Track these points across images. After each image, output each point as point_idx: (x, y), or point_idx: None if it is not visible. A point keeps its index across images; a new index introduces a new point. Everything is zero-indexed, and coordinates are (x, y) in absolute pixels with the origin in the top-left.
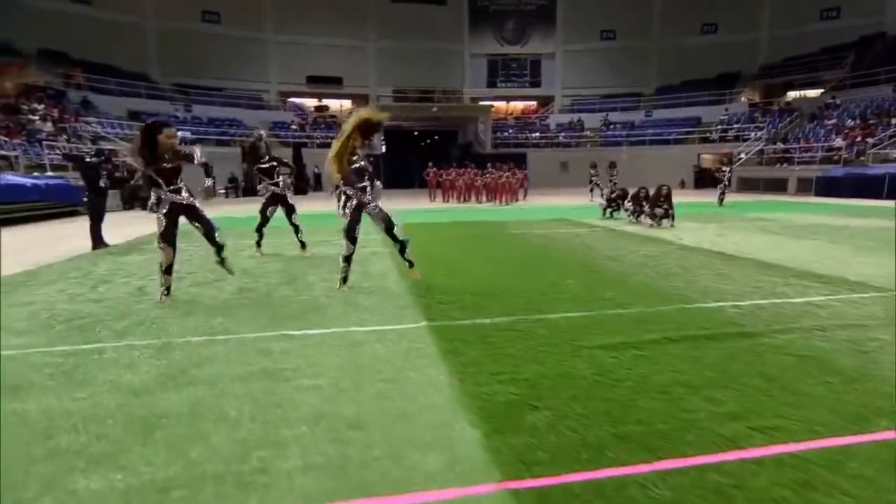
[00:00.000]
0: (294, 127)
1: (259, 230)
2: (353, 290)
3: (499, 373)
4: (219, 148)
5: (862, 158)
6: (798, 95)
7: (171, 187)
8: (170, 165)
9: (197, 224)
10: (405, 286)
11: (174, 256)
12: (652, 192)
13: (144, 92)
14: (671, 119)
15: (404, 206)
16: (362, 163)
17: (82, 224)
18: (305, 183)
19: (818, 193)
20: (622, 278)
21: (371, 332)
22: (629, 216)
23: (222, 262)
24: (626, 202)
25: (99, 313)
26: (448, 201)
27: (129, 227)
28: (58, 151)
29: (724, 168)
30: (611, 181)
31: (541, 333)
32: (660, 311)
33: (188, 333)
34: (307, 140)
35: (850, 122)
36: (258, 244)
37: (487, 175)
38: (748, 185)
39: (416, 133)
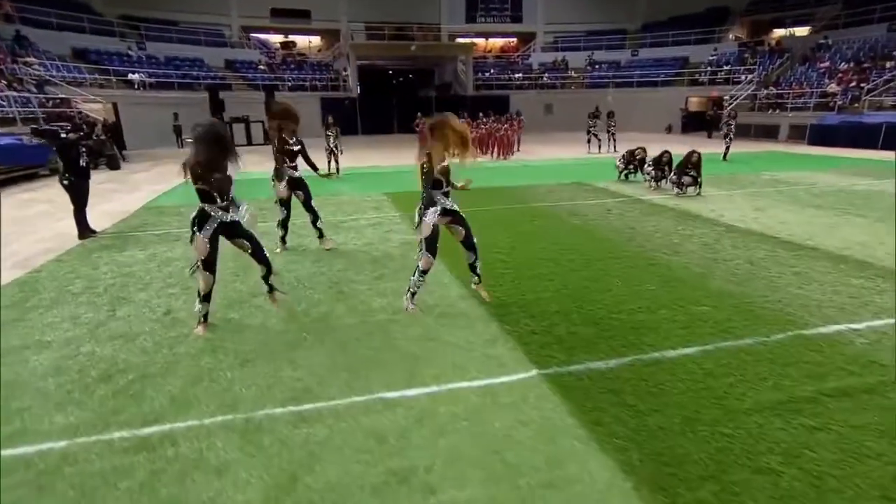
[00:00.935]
0: (262, 67)
1: (284, 225)
2: (422, 310)
3: (675, 472)
4: (181, 93)
5: (856, 105)
6: (787, 33)
7: (224, 203)
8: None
9: (240, 241)
10: (474, 303)
11: (214, 282)
12: (663, 155)
13: (88, 26)
14: (659, 59)
15: (395, 163)
16: (446, 164)
17: (45, 192)
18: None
19: (812, 142)
20: (699, 281)
21: (482, 390)
22: (649, 181)
23: (271, 289)
24: (646, 166)
25: (139, 364)
26: None
27: (108, 199)
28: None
29: (729, 121)
30: (608, 132)
31: (676, 387)
32: (779, 343)
33: (264, 400)
34: (278, 83)
35: (843, 66)
36: (283, 240)
37: (482, 126)
38: (739, 132)
39: (390, 72)
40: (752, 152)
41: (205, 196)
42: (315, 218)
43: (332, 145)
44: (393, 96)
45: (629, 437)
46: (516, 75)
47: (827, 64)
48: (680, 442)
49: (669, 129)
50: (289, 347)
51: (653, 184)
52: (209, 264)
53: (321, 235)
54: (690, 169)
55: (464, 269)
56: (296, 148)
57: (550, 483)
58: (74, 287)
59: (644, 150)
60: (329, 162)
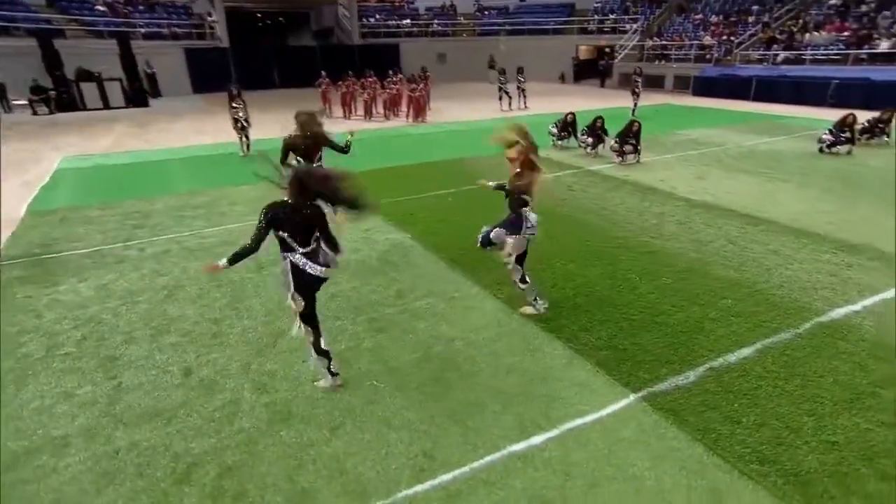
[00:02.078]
0: (101, 8)
1: None
2: (472, 332)
3: (819, 489)
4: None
5: (729, 58)
6: None
7: (309, 248)
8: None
9: None
10: (513, 316)
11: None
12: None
13: None
14: (546, 5)
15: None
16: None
17: None
18: (142, 89)
19: (696, 93)
20: (703, 269)
21: (599, 426)
22: (585, 147)
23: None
24: (580, 134)
25: (208, 451)
26: (349, 117)
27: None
28: None
29: (636, 78)
30: (518, 87)
31: (760, 393)
32: (810, 335)
33: (391, 477)
34: (129, 30)
35: (713, 18)
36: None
37: (393, 86)
38: (628, 81)
39: (258, 14)
40: (650, 105)
41: (286, 244)
42: None
43: (242, 118)
44: (270, 46)
45: (757, 456)
46: (404, 21)
47: (700, 16)
48: (801, 455)
49: (563, 79)
50: (367, 401)
51: (589, 150)
52: (312, 318)
53: None
54: (630, 137)
55: (487, 280)
56: None
57: None
58: (31, 350)
59: (574, 115)
60: (240, 138)
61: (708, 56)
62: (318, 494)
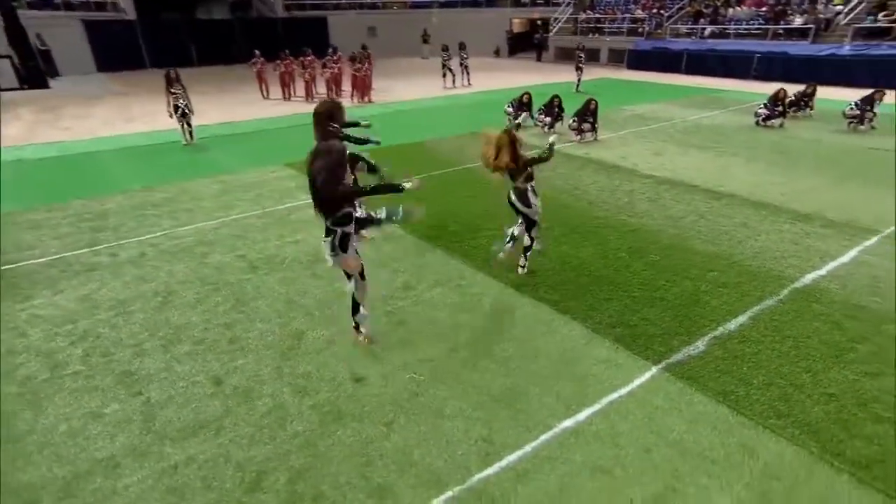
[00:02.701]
0: None
1: None
2: (489, 315)
3: (836, 435)
4: None
5: (660, 31)
6: None
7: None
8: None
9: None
10: (524, 298)
11: None
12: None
13: None
14: None
15: (253, 114)
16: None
17: None
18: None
19: (630, 66)
20: (684, 244)
21: (634, 399)
22: (543, 127)
23: (357, 326)
24: (538, 113)
25: (273, 457)
26: (289, 98)
27: None
28: None
29: (579, 54)
30: (461, 64)
31: (762, 356)
32: (791, 300)
33: (460, 464)
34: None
35: None
36: None
37: (334, 65)
38: (565, 55)
39: None
40: (589, 80)
41: (343, 220)
42: None
43: (182, 104)
44: (181, 19)
45: (773, 412)
46: None
47: None
48: (808, 407)
49: (498, 53)
50: (412, 394)
51: (546, 130)
52: (363, 274)
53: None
54: (588, 116)
55: (478, 258)
56: None
57: (766, 474)
58: (32, 371)
59: (530, 94)
60: (182, 126)
61: (640, 30)
62: (395, 487)
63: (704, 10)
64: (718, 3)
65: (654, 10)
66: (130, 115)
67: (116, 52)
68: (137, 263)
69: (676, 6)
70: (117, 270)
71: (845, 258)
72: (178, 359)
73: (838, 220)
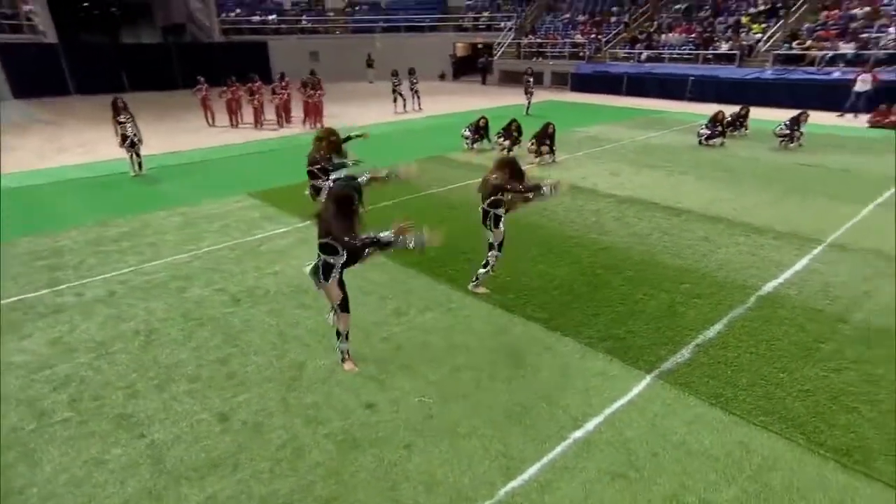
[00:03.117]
0: None
1: None
2: (477, 336)
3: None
4: None
5: (599, 55)
6: None
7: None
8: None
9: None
10: (514, 319)
11: None
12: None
13: None
14: (419, 1)
15: (205, 142)
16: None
17: None
18: None
19: (574, 88)
20: (653, 259)
21: (634, 408)
22: (502, 151)
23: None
24: (497, 136)
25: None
26: (237, 125)
27: None
28: None
29: (528, 78)
30: (411, 89)
31: (743, 359)
32: (759, 307)
33: (485, 480)
34: None
35: (580, 17)
36: None
37: (283, 91)
38: (509, 78)
39: (84, 4)
40: (535, 102)
41: (330, 249)
42: None
43: (130, 134)
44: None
45: (760, 410)
46: (271, 17)
47: (567, 16)
48: (789, 404)
49: (443, 77)
50: (424, 417)
51: (505, 153)
52: (345, 304)
53: None
54: (546, 139)
55: (463, 282)
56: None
57: (764, 467)
58: (16, 422)
59: (486, 119)
60: (130, 156)
61: (581, 53)
62: None
63: (639, 36)
64: (652, 30)
65: (593, 35)
66: (62, 144)
67: (36, 77)
68: (109, 302)
69: (613, 31)
70: (87, 311)
71: (798, 266)
72: (176, 398)
73: (786, 232)
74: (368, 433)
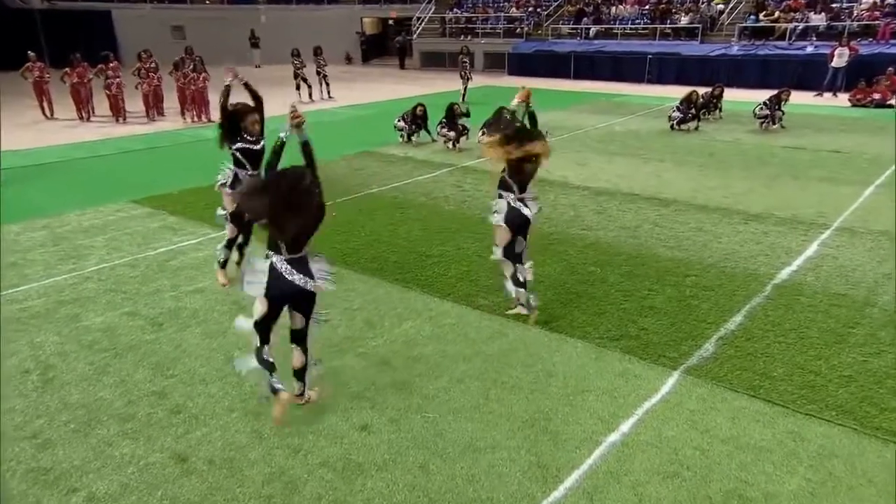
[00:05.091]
0: None
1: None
2: (478, 342)
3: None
4: None
5: (540, 32)
6: None
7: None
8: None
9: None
10: (516, 325)
11: None
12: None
13: None
14: None
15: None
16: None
17: None
18: None
19: (512, 72)
20: (651, 252)
21: (668, 406)
22: (447, 143)
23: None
24: (439, 127)
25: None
26: (87, 119)
27: None
28: None
29: (464, 60)
30: (318, 73)
31: (773, 349)
32: (779, 296)
33: (523, 491)
34: None
35: None
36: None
37: (152, 74)
38: (431, 60)
39: None
40: (472, 88)
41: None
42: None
43: None
44: None
45: (805, 399)
46: None
47: None
48: (833, 391)
49: (349, 59)
50: (434, 435)
51: (451, 146)
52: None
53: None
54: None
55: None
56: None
57: (823, 454)
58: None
59: (424, 106)
60: None
61: (518, 30)
62: None
63: (586, 9)
64: (600, 1)
65: (532, 9)
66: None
67: None
68: None
69: (555, 4)
70: None
71: (809, 252)
72: (108, 442)
73: (787, 218)
74: (372, 456)
